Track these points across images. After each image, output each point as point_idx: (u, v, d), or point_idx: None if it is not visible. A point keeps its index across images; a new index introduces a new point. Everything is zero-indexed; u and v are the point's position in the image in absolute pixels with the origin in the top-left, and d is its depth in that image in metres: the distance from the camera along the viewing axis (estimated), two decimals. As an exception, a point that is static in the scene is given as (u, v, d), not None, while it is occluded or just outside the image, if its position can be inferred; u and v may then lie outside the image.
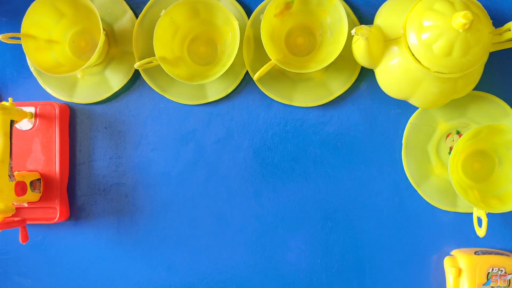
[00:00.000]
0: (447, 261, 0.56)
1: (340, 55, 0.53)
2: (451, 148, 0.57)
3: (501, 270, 0.54)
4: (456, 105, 0.57)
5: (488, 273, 0.54)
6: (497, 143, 0.55)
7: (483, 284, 0.54)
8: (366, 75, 0.59)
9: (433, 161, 0.58)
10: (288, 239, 0.59)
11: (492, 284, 0.54)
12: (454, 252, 0.57)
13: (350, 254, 0.59)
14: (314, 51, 0.58)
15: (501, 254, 0.55)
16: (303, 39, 0.58)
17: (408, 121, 0.58)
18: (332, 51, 0.54)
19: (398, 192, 0.58)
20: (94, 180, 0.60)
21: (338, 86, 0.58)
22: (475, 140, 0.54)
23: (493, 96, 0.57)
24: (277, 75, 0.58)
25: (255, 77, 0.56)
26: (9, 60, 0.61)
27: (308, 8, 0.56)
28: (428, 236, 0.58)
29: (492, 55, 0.53)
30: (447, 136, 0.58)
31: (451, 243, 0.57)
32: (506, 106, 0.57)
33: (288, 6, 0.55)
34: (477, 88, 0.55)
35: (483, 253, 0.55)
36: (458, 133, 0.57)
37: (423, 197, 0.58)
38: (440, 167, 0.57)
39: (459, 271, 0.54)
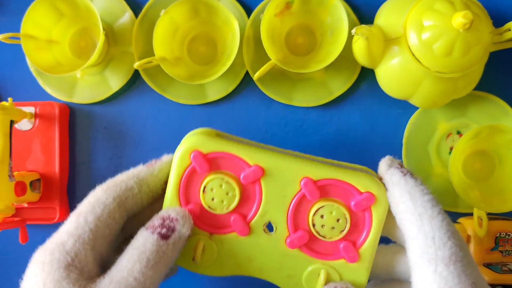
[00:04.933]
0: None
1: (340, 55, 0.52)
2: (451, 148, 0.57)
3: (509, 235, 0.54)
4: (456, 105, 0.57)
5: (496, 237, 0.54)
6: (498, 143, 0.55)
7: (491, 249, 0.54)
8: (366, 75, 0.59)
9: (433, 161, 0.58)
10: (288, 239, 0.59)
11: (500, 249, 0.54)
12: (460, 219, 0.57)
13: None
14: (314, 51, 0.58)
15: (509, 219, 0.56)
16: (303, 39, 0.58)
17: (408, 121, 0.58)
18: (332, 51, 0.54)
19: (398, 192, 0.58)
20: (94, 180, 0.60)
21: (338, 86, 0.58)
22: (476, 140, 0.54)
23: (493, 96, 0.57)
24: (277, 75, 0.58)
25: (255, 77, 0.56)
26: (9, 60, 0.61)
27: (308, 8, 0.56)
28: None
29: (492, 55, 0.53)
30: (448, 136, 0.57)
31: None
32: (506, 106, 0.57)
33: (288, 6, 0.55)
34: (477, 88, 0.55)
35: (490, 218, 0.54)
36: (458, 133, 0.57)
37: (424, 197, 0.58)
38: (440, 167, 0.57)
39: (467, 237, 0.54)
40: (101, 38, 0.54)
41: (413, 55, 0.48)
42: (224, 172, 0.41)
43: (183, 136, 0.60)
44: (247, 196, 0.42)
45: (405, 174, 0.41)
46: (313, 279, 0.43)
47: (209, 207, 0.42)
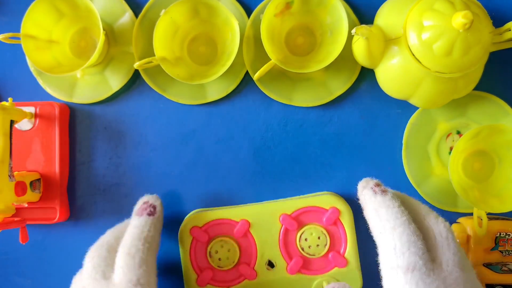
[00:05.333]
0: (454, 228, 0.56)
1: (340, 55, 0.52)
2: (451, 148, 0.57)
3: (508, 235, 0.54)
4: (456, 105, 0.57)
5: (496, 237, 0.54)
6: (497, 143, 0.55)
7: (491, 249, 0.54)
8: (366, 75, 0.59)
9: (433, 161, 0.58)
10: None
11: (500, 249, 0.54)
12: (460, 219, 0.57)
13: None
14: (314, 51, 0.58)
15: (508, 219, 0.55)
16: (303, 39, 0.58)
17: (408, 121, 0.58)
18: (332, 50, 0.54)
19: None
20: (94, 180, 0.60)
21: (338, 86, 0.58)
22: (476, 140, 0.54)
23: (493, 96, 0.57)
24: (277, 75, 0.58)
25: (255, 77, 0.56)
26: (9, 60, 0.61)
27: (308, 8, 0.56)
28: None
29: (492, 55, 0.53)
30: (448, 136, 0.58)
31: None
32: (506, 106, 0.57)
33: (288, 6, 0.55)
34: (477, 88, 0.55)
35: (490, 218, 0.54)
36: (458, 133, 0.57)
37: (424, 197, 0.58)
38: (440, 167, 0.57)
39: (467, 237, 0.54)
40: (101, 38, 0.54)
41: (413, 55, 0.48)
42: (220, 235, 0.53)
43: (183, 136, 0.60)
44: (245, 246, 0.53)
45: (376, 193, 0.46)
46: None
47: (218, 266, 0.53)
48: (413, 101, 0.53)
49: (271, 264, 0.53)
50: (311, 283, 0.53)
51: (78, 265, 0.60)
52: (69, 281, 0.60)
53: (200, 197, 0.59)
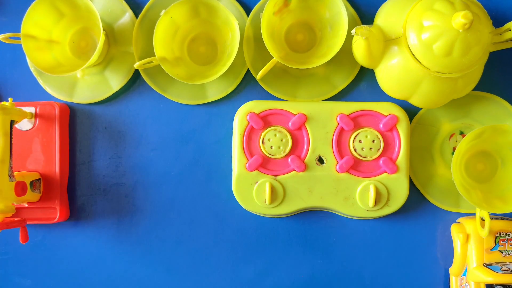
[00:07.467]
0: (454, 228, 0.56)
1: (341, 49, 0.52)
2: (454, 149, 0.57)
3: (508, 235, 0.54)
4: (459, 105, 0.57)
5: (496, 237, 0.54)
6: (500, 143, 0.55)
7: (491, 249, 0.54)
8: (366, 74, 0.58)
9: (436, 161, 0.57)
10: (287, 238, 0.59)
11: (500, 249, 0.54)
12: (460, 219, 0.57)
13: (350, 254, 0.59)
14: (314, 46, 0.58)
15: (508, 219, 0.55)
16: (303, 35, 0.58)
17: (412, 121, 0.57)
18: (333, 45, 0.54)
19: (398, 192, 0.58)
20: (94, 180, 0.60)
21: (341, 80, 0.58)
22: (478, 140, 0.54)
23: (496, 96, 0.57)
24: (280, 73, 0.58)
25: (258, 76, 0.56)
26: (9, 60, 0.61)
27: (307, 4, 0.56)
28: (430, 237, 0.58)
29: (492, 55, 0.53)
30: (451, 136, 0.57)
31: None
32: (509, 106, 0.57)
33: (286, 3, 0.55)
34: (477, 88, 0.55)
35: (491, 218, 0.54)
36: (461, 133, 0.57)
37: (427, 197, 0.57)
38: (443, 168, 0.57)
39: (467, 237, 0.54)
40: (101, 38, 0.54)
41: (413, 55, 0.48)
42: (275, 124, 0.54)
43: (183, 136, 0.60)
44: (298, 139, 0.54)
45: None
46: (365, 195, 0.54)
47: (269, 154, 0.54)
48: (413, 101, 0.53)
49: (321, 160, 0.55)
50: (358, 185, 0.54)
51: (78, 265, 0.60)
52: (69, 281, 0.60)
53: (200, 197, 0.59)
